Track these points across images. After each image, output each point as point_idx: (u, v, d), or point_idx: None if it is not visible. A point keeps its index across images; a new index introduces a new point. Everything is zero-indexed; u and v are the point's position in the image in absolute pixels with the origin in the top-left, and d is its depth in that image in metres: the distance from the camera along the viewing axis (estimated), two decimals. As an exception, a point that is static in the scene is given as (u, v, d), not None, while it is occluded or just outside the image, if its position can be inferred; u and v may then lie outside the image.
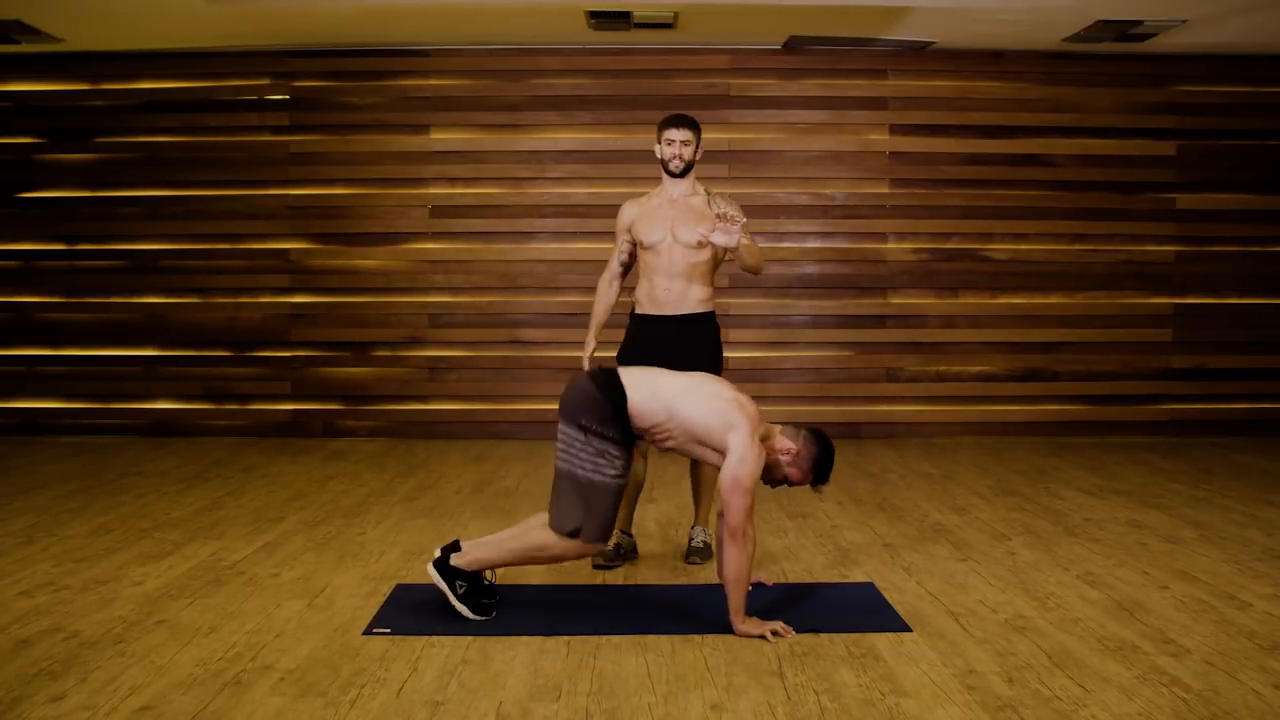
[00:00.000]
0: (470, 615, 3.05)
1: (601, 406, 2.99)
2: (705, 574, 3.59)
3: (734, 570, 2.93)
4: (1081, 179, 6.65)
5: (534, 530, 3.09)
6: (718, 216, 3.35)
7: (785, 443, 3.08)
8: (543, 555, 3.08)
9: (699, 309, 3.75)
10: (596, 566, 3.70)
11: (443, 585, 3.07)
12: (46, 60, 6.57)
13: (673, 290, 3.70)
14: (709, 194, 3.69)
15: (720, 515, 3.07)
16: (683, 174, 3.73)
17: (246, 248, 6.66)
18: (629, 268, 3.91)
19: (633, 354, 3.66)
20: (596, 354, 3.87)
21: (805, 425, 3.17)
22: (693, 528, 3.90)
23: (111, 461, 5.75)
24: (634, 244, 3.80)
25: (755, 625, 2.94)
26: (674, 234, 3.69)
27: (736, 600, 2.95)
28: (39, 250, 6.69)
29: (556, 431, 3.06)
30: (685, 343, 3.69)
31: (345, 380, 6.68)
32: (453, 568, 3.08)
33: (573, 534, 3.00)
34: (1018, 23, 5.91)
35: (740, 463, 2.95)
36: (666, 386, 3.06)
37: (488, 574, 3.15)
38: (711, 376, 3.19)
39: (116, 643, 2.88)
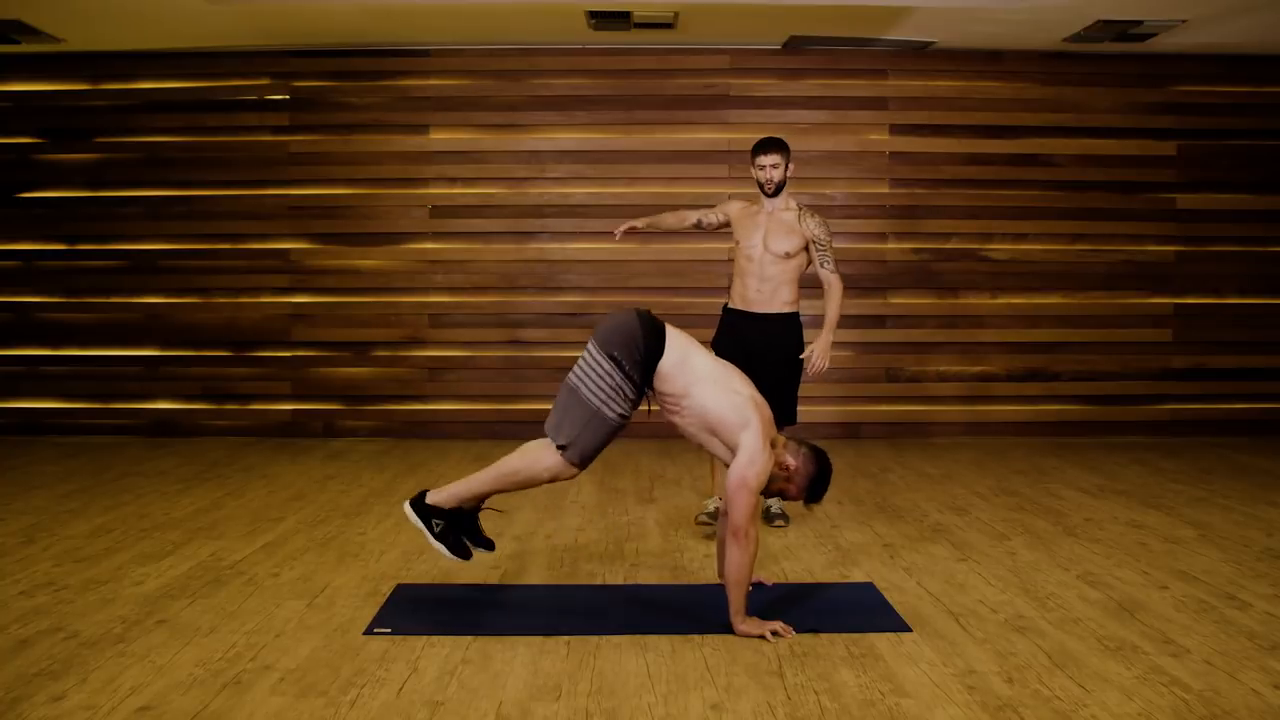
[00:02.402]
0: (447, 554, 3.08)
1: (638, 349, 3.01)
2: (705, 574, 3.59)
3: (735, 570, 2.93)
4: (1081, 179, 6.65)
5: (509, 458, 3.09)
6: (808, 365, 4.16)
7: (786, 457, 3.09)
8: (516, 479, 3.08)
9: (785, 309, 4.25)
10: (701, 522, 4.13)
11: (419, 523, 3.10)
12: (46, 60, 6.57)
13: (763, 292, 4.21)
14: (800, 209, 4.23)
15: (723, 514, 3.08)
16: (775, 194, 4.21)
17: (246, 248, 6.66)
18: (701, 228, 4.37)
19: (725, 343, 4.19)
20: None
21: (808, 443, 3.18)
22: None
23: (111, 461, 5.75)
24: (723, 224, 4.33)
25: (755, 625, 2.94)
26: (766, 244, 4.19)
27: (737, 600, 2.95)
28: (39, 250, 6.69)
29: (584, 351, 3.07)
30: (771, 337, 4.19)
31: (345, 380, 6.68)
32: (429, 505, 3.10)
33: (561, 448, 3.02)
34: (1018, 23, 5.91)
35: (749, 463, 2.95)
36: (696, 364, 3.07)
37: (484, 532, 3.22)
38: (738, 372, 3.18)
39: (116, 643, 2.88)
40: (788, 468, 3.08)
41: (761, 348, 4.15)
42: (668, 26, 6.05)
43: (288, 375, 6.68)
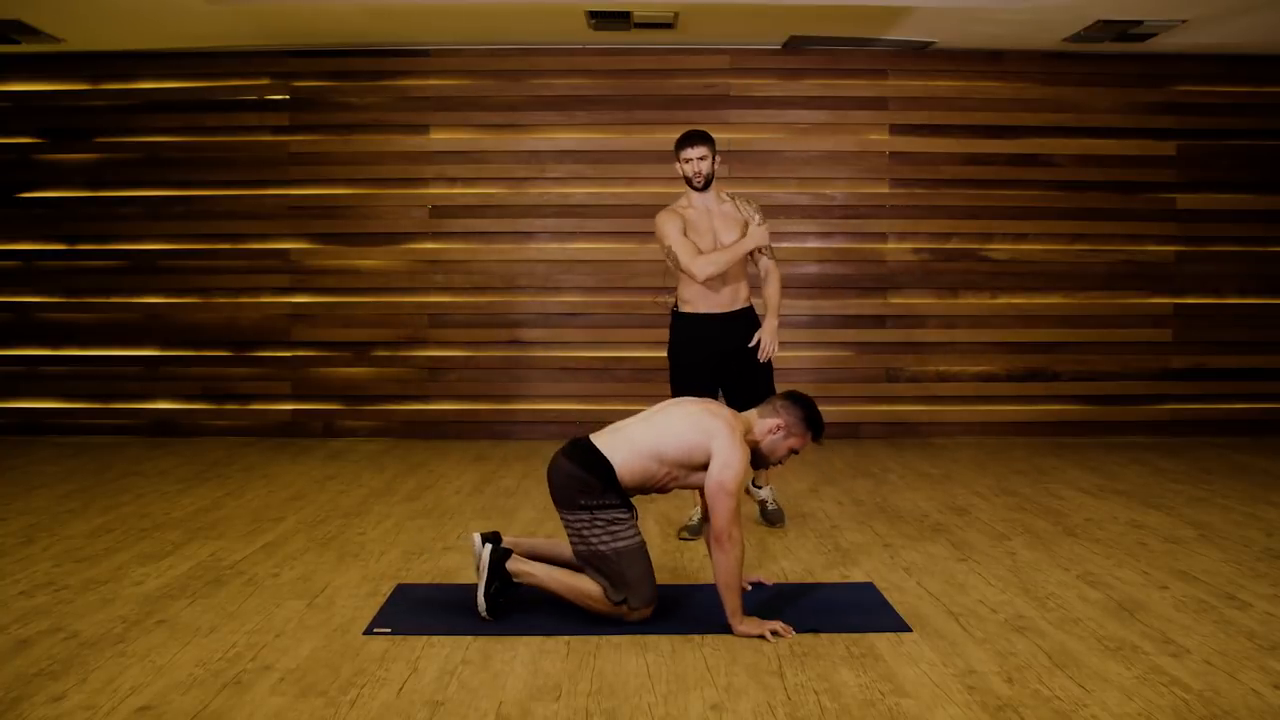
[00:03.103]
0: (483, 613, 3.05)
1: (591, 484, 3.00)
2: (705, 574, 3.59)
3: (724, 574, 2.94)
4: (1081, 179, 6.65)
5: (594, 592, 3.03)
6: (759, 349, 4.03)
7: (768, 422, 3.10)
8: (591, 605, 3.04)
9: (746, 304, 4.14)
10: (683, 539, 4.08)
11: (485, 573, 3.05)
12: (46, 60, 6.57)
13: (725, 292, 4.06)
14: (734, 198, 4.14)
15: (706, 520, 3.08)
16: (704, 187, 4.06)
17: (246, 248, 6.66)
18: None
19: (693, 352, 4.07)
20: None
21: (776, 396, 3.21)
22: (758, 487, 4.31)
23: (111, 461, 5.75)
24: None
25: (754, 625, 2.94)
26: (718, 241, 4.03)
27: (732, 603, 2.95)
28: (39, 250, 6.69)
29: (561, 519, 3.07)
30: (741, 335, 4.07)
31: (345, 380, 6.68)
32: (505, 569, 3.08)
33: (620, 603, 3.00)
34: (1018, 23, 5.91)
35: (724, 467, 2.95)
36: (641, 435, 3.06)
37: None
38: (676, 401, 3.21)
39: (116, 643, 2.88)
40: (778, 428, 3.09)
41: (735, 348, 4.07)
42: (668, 26, 6.05)
43: (288, 375, 6.68)
